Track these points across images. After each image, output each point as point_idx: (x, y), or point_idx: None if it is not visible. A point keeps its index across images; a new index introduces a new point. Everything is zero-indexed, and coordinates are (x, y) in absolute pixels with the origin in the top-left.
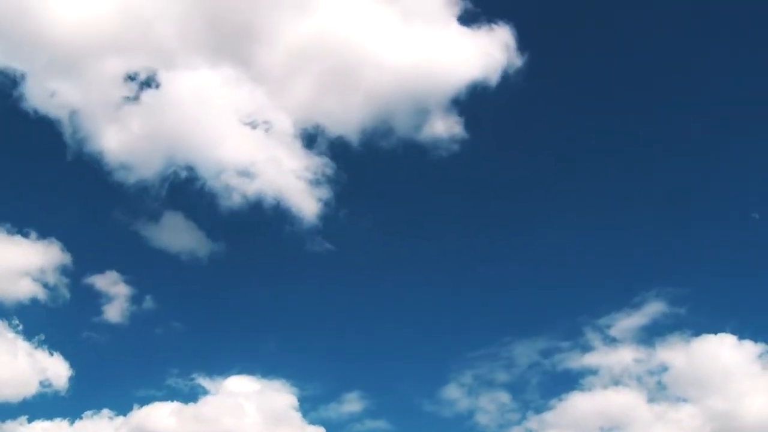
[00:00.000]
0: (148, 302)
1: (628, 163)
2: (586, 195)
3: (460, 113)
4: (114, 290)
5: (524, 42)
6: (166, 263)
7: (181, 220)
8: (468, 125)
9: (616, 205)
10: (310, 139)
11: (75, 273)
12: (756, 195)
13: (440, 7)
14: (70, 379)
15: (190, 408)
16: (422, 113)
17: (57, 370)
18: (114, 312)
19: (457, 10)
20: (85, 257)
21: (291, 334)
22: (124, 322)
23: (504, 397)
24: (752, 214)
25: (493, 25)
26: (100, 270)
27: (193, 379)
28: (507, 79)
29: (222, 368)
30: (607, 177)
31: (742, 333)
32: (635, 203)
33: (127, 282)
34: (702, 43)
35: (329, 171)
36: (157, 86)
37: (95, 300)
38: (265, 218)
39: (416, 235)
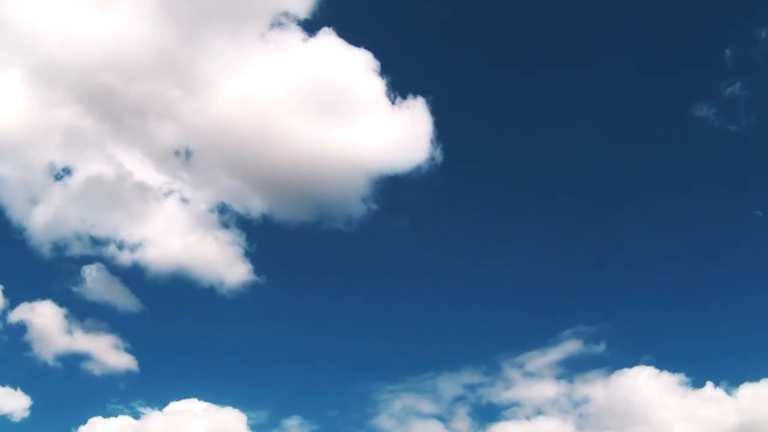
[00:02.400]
0: (85, 339)
1: (542, 209)
2: (500, 242)
3: (373, 193)
4: (48, 325)
5: (442, 129)
6: (102, 310)
7: (110, 284)
8: (379, 203)
9: (527, 255)
10: (224, 212)
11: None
12: (665, 232)
13: (358, 88)
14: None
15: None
16: (336, 191)
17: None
18: (48, 348)
19: (374, 92)
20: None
21: (229, 371)
22: (58, 362)
23: (435, 426)
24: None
25: (412, 108)
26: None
27: (134, 408)
28: (422, 164)
29: (165, 397)
30: (520, 223)
31: (660, 365)
32: (544, 251)
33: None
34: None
35: (243, 243)
36: (74, 172)
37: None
38: (186, 284)
39: (333, 287)
